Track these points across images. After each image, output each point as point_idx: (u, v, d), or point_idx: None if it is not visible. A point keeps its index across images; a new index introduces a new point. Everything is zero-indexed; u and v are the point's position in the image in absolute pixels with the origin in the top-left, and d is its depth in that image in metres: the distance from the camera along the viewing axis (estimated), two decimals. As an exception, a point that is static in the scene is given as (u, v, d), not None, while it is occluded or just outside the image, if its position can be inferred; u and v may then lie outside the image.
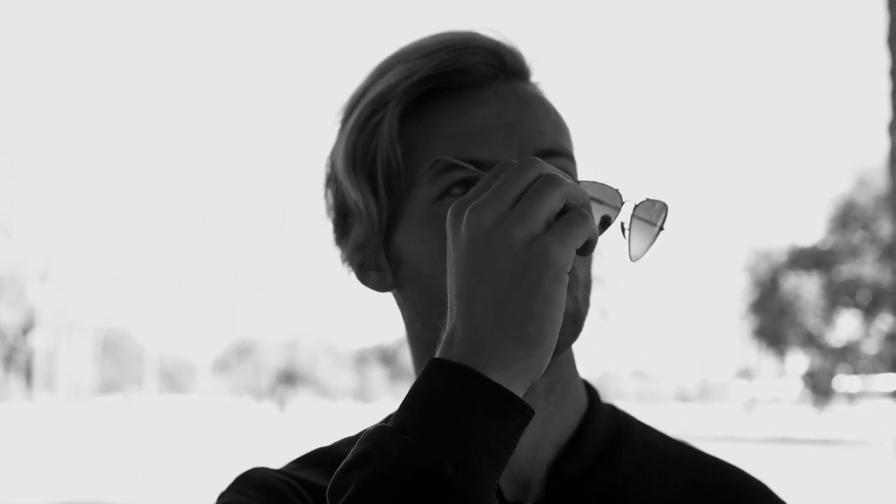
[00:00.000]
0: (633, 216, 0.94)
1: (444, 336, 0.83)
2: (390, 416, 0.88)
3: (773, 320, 40.81)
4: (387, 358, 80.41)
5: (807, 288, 38.91)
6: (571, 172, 1.10)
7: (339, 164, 1.13)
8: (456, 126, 1.08)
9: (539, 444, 1.08)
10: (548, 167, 0.84)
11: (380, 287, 1.16)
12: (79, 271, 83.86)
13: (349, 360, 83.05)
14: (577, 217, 0.82)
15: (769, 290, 40.92)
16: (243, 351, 78.42)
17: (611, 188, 0.94)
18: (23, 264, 75.23)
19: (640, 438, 1.16)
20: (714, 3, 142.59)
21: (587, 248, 0.85)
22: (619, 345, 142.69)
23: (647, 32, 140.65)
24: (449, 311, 0.84)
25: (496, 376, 0.79)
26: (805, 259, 38.83)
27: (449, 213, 0.85)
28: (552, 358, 0.85)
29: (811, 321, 39.08)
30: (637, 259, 0.96)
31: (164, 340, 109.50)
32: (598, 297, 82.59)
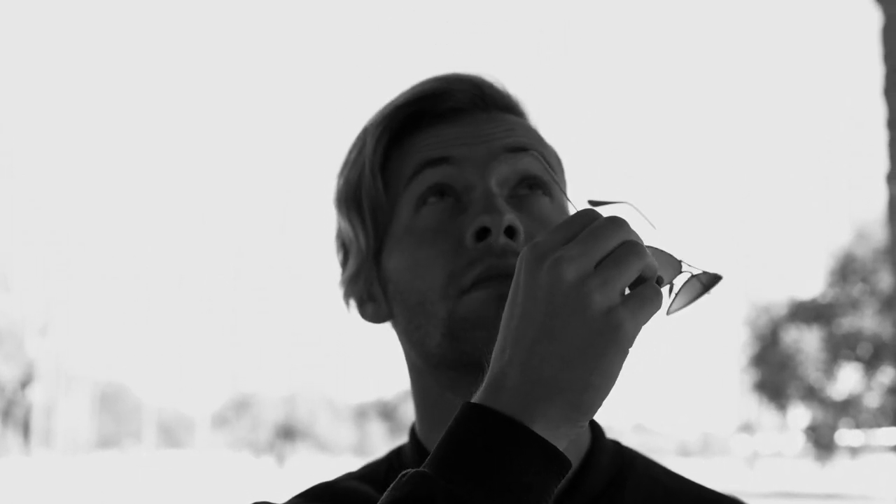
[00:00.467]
0: (688, 280, 0.93)
1: (488, 378, 0.81)
2: (403, 454, 0.95)
3: (774, 374, 40.80)
4: (387, 413, 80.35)
5: (807, 341, 38.88)
6: (545, 181, 1.08)
7: (336, 203, 1.15)
8: (426, 144, 1.08)
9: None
10: (632, 231, 0.84)
11: (376, 318, 1.15)
12: (78, 325, 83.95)
13: (349, 415, 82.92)
14: (652, 294, 0.82)
15: (770, 344, 40.93)
16: (242, 405, 78.45)
17: (675, 258, 0.93)
18: (22, 318, 75.37)
19: (644, 472, 1.15)
20: (714, 50, 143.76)
21: None
22: (620, 399, 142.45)
23: (642, 81, 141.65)
24: (500, 352, 0.82)
25: (542, 433, 0.78)
26: (805, 312, 38.85)
27: (526, 252, 0.83)
28: None
29: (812, 375, 39.02)
30: (672, 314, 0.95)
31: (162, 394, 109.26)
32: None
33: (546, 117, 1.16)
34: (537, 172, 1.07)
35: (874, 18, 5.26)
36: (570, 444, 0.98)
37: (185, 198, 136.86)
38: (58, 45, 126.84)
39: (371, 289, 1.13)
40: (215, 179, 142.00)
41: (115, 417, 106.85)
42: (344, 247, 1.16)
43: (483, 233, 1.01)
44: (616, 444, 1.17)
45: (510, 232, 1.01)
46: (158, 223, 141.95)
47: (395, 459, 1.16)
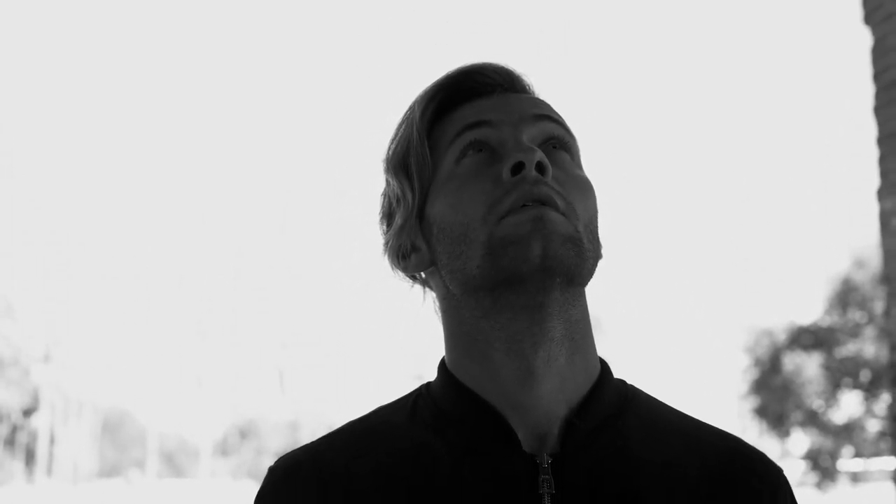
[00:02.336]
0: None
1: None
2: None
3: (775, 400, 40.84)
4: None
5: (808, 367, 39.02)
6: (567, 141, 1.23)
7: (386, 168, 1.27)
8: (465, 114, 1.23)
9: (556, 400, 1.14)
10: None
11: (419, 266, 1.25)
12: (81, 351, 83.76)
13: None
14: None
15: (770, 370, 41.00)
16: (245, 432, 77.84)
17: None
18: (26, 345, 75.44)
19: (646, 405, 1.24)
20: (711, 76, 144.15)
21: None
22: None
23: (637, 114, 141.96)
24: None
25: None
26: (805, 338, 38.99)
27: None
28: (568, 285, 1.12)
29: (813, 401, 39.18)
30: None
31: (165, 420, 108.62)
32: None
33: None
34: (560, 134, 1.22)
35: (864, 40, 5.67)
36: (580, 375, 1.16)
37: (188, 217, 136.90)
38: (58, 45, 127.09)
39: (415, 240, 1.23)
40: (218, 199, 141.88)
41: (118, 445, 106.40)
42: (390, 209, 1.28)
43: (518, 167, 1.13)
44: (622, 381, 1.25)
45: (540, 168, 1.13)
46: (163, 247, 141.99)
47: (423, 391, 1.24)
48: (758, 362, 43.26)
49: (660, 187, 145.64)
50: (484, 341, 1.15)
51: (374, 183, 1.33)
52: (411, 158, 1.22)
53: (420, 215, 1.22)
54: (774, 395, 41.31)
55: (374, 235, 1.34)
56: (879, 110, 5.40)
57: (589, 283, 1.22)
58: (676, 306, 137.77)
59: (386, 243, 1.27)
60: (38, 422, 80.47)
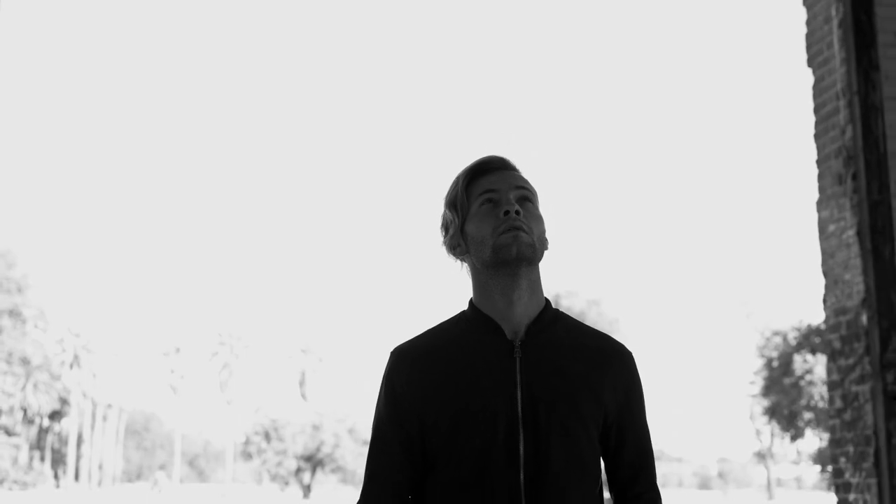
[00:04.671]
0: None
1: None
2: None
3: (787, 400, 41.53)
4: None
5: (819, 368, 39.68)
6: (529, 197, 2.29)
7: (445, 205, 2.36)
8: (483, 183, 2.32)
9: (523, 316, 2.25)
10: None
11: (462, 253, 2.32)
12: (108, 356, 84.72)
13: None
14: None
15: (781, 371, 41.71)
16: (267, 435, 77.94)
17: None
18: (56, 350, 76.56)
19: (568, 319, 2.36)
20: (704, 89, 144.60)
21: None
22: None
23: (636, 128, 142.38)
24: None
25: None
26: (817, 339, 39.64)
27: None
28: (529, 265, 2.19)
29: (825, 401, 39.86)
30: None
31: (189, 424, 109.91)
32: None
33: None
34: (527, 195, 2.29)
35: (807, 79, 6.63)
36: (534, 305, 2.25)
37: (213, 224, 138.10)
38: (93, 51, 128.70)
39: (459, 241, 2.31)
40: (243, 206, 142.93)
41: (143, 449, 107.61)
42: (445, 225, 2.35)
43: (507, 212, 2.22)
44: (556, 308, 2.33)
45: (517, 211, 2.22)
46: (188, 254, 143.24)
47: (462, 314, 2.35)
48: (770, 363, 44.23)
49: (676, 193, 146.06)
50: (490, 289, 2.28)
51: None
52: (458, 202, 2.33)
53: (461, 230, 2.31)
54: (786, 396, 42.21)
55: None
56: (818, 137, 6.37)
57: (540, 262, 2.30)
58: (690, 309, 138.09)
59: (445, 242, 2.37)
60: (67, 425, 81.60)
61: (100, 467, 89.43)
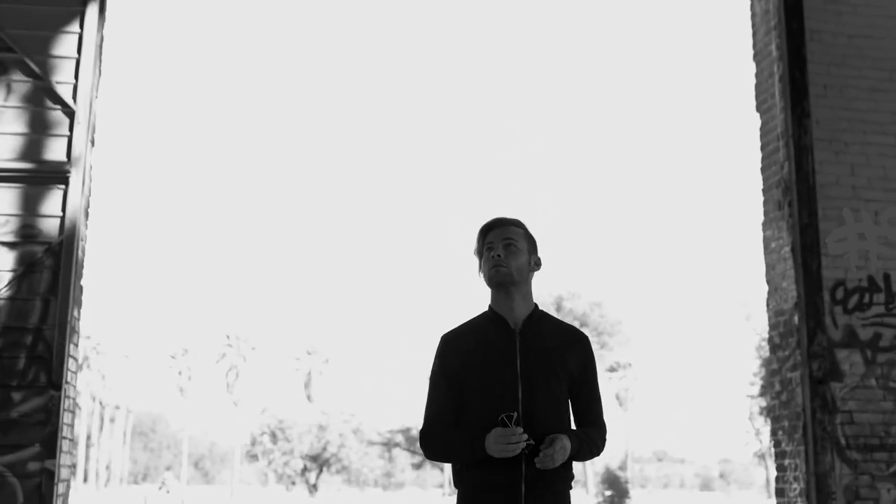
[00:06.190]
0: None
1: None
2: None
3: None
4: (411, 441, 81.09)
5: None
6: (514, 245, 3.71)
7: (475, 252, 3.82)
8: (489, 237, 3.78)
9: (520, 314, 3.71)
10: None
11: (483, 277, 3.79)
12: (116, 358, 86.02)
13: (377, 444, 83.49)
14: None
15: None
16: (274, 435, 78.86)
17: None
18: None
19: (550, 317, 3.80)
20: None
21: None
22: (641, 427, 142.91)
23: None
24: None
25: None
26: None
27: None
28: (513, 285, 3.70)
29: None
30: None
31: (195, 426, 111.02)
32: (623, 381, 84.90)
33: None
34: (510, 243, 3.70)
35: (755, 122, 8.04)
36: (527, 307, 3.78)
37: (218, 223, 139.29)
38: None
39: (480, 269, 3.78)
40: (244, 207, 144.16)
41: (150, 450, 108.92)
42: (478, 256, 3.80)
43: (497, 255, 3.69)
44: (542, 310, 3.76)
45: (499, 255, 3.70)
46: (192, 253, 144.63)
47: (483, 314, 3.79)
48: (767, 364, 45.54)
49: (678, 197, 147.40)
50: (496, 299, 3.77)
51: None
52: (477, 246, 3.82)
53: (480, 262, 3.83)
54: (780, 395, 43.48)
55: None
56: (763, 170, 7.80)
57: (527, 280, 3.76)
58: (691, 312, 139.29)
59: (478, 267, 3.82)
60: (75, 427, 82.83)
61: (107, 468, 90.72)
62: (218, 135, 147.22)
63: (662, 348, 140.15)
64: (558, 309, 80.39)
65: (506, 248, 3.70)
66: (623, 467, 76.77)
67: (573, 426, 3.74)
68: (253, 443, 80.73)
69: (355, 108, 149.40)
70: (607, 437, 3.82)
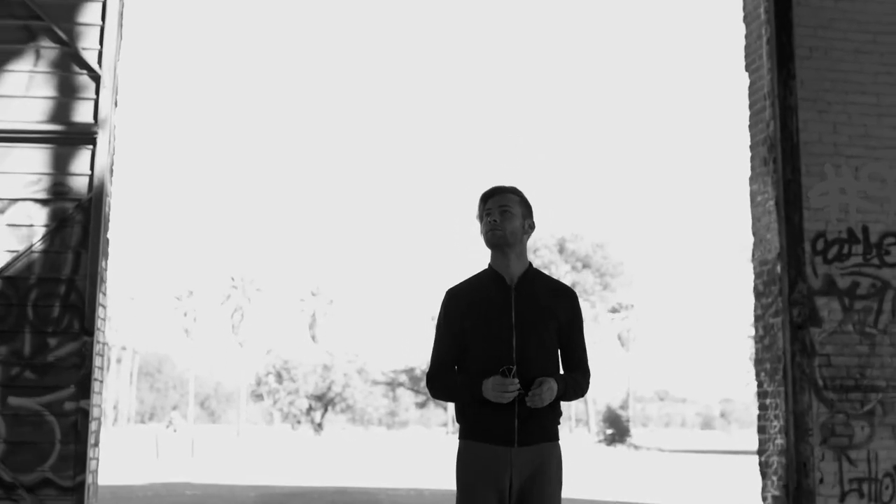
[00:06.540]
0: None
1: None
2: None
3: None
4: (415, 381, 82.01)
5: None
6: (509, 210, 4.23)
7: (477, 212, 4.34)
8: (488, 203, 4.30)
9: (515, 271, 4.23)
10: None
11: (482, 235, 4.31)
12: (122, 298, 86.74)
13: (381, 384, 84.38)
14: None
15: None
16: (280, 376, 79.75)
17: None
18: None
19: (542, 274, 4.33)
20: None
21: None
22: (643, 367, 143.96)
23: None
24: None
25: None
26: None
27: None
28: (508, 247, 4.22)
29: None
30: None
31: (202, 366, 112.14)
32: (626, 322, 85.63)
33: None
34: (506, 210, 4.22)
35: (744, 81, 8.42)
36: (522, 264, 4.30)
37: (222, 163, 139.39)
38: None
39: (482, 228, 4.28)
40: (249, 147, 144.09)
41: (156, 390, 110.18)
42: (479, 220, 4.29)
43: (494, 220, 4.21)
44: (535, 268, 4.32)
45: (495, 220, 4.22)
46: (200, 195, 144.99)
47: (483, 271, 4.32)
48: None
49: (679, 139, 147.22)
50: (493, 257, 4.31)
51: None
52: (478, 211, 4.34)
53: (480, 225, 4.36)
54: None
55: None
56: (751, 128, 8.22)
57: (521, 241, 4.27)
58: (693, 254, 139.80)
59: (480, 230, 4.34)
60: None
61: (115, 408, 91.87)
62: (224, 79, 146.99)
63: (665, 289, 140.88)
64: (561, 251, 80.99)
65: (502, 214, 4.21)
66: (624, 406, 77.67)
67: (561, 370, 4.24)
68: (258, 383, 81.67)
69: (361, 64, 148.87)
70: (591, 380, 4.31)
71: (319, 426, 78.90)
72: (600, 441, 61.33)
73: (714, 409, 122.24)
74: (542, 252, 79.90)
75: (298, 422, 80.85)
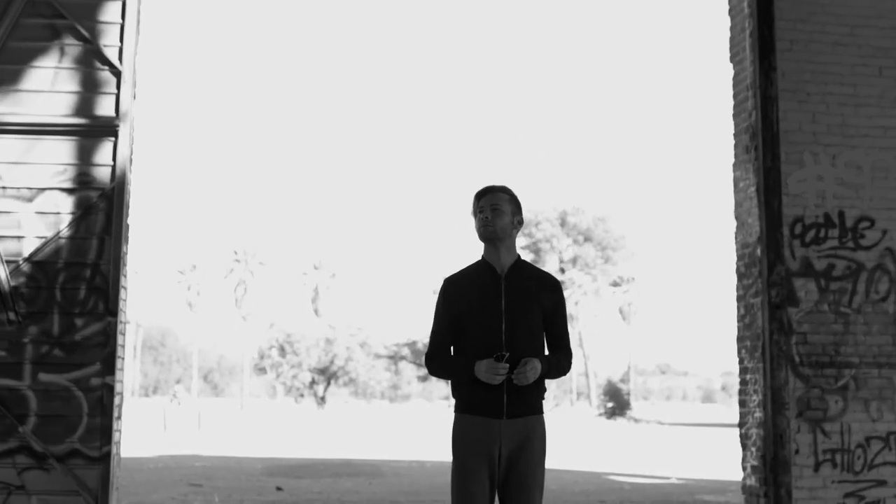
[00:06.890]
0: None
1: None
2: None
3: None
4: (417, 354, 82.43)
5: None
6: (499, 208, 4.70)
7: (472, 207, 4.80)
8: (481, 202, 4.77)
9: (505, 263, 4.71)
10: None
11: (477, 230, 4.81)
12: (127, 273, 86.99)
13: (383, 357, 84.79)
14: None
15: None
16: (283, 349, 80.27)
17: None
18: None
19: (529, 265, 4.84)
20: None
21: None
22: (644, 341, 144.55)
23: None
24: None
25: None
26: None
27: None
28: (499, 241, 4.72)
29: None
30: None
31: (205, 340, 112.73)
32: (627, 295, 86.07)
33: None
34: (496, 207, 4.69)
35: (728, 72, 8.85)
36: (511, 256, 4.80)
37: (225, 137, 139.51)
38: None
39: (475, 224, 4.75)
40: (254, 122, 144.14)
41: (160, 363, 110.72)
42: (473, 217, 4.76)
43: (485, 217, 4.69)
44: (524, 260, 4.82)
45: (487, 217, 4.70)
46: (201, 168, 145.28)
47: (477, 263, 4.81)
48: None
49: (678, 113, 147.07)
50: (486, 249, 4.80)
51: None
52: (472, 208, 4.81)
53: (474, 221, 4.84)
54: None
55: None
56: (735, 117, 8.67)
57: (511, 236, 4.77)
58: (695, 227, 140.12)
59: (474, 224, 4.82)
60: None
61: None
62: (228, 56, 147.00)
63: (666, 263, 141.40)
64: (563, 224, 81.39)
65: (493, 212, 4.69)
66: (625, 380, 78.18)
67: (546, 352, 4.73)
68: (261, 356, 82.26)
69: (363, 47, 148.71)
70: (572, 361, 4.81)
71: (322, 399, 79.55)
72: (601, 414, 61.95)
73: (715, 382, 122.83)
74: (543, 225, 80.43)
75: (301, 395, 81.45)
